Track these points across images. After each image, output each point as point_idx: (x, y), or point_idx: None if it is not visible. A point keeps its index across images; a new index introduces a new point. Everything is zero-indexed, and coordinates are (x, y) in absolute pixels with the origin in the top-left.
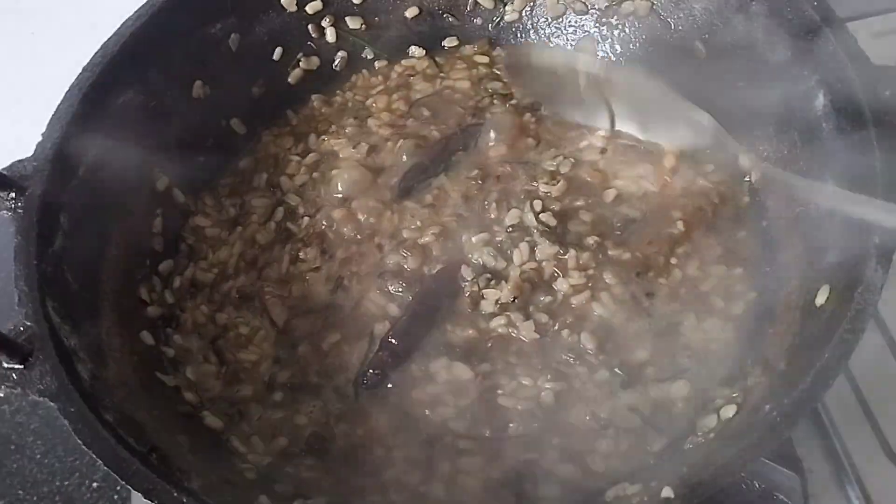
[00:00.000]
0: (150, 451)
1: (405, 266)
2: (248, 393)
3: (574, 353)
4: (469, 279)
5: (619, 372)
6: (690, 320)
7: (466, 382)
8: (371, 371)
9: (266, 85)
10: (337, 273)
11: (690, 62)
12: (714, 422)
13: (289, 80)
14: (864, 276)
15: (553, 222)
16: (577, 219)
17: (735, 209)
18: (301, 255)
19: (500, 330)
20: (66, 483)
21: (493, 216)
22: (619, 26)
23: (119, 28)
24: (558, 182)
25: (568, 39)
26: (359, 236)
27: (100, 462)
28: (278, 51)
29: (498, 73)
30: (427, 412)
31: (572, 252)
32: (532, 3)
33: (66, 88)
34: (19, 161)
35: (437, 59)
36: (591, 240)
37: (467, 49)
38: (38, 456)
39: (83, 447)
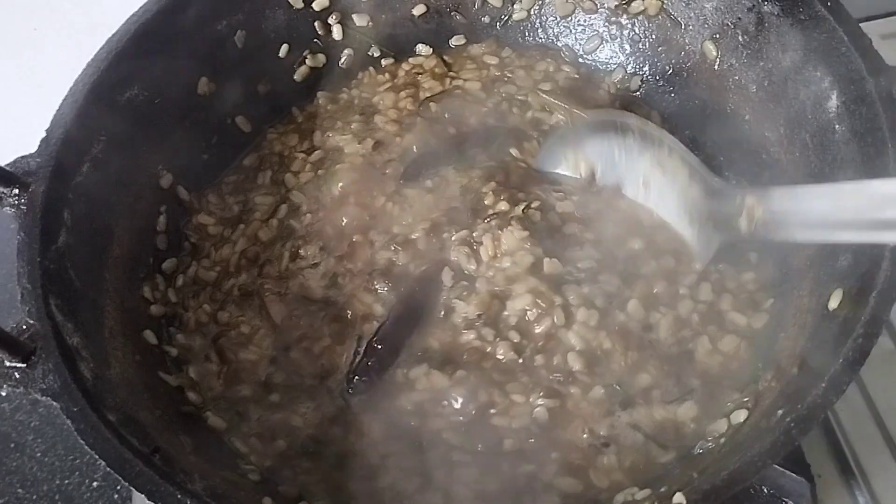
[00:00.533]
0: (153, 452)
1: (396, 262)
2: (247, 393)
3: (561, 373)
4: (448, 285)
5: (617, 388)
6: (704, 343)
7: (449, 392)
8: (357, 378)
9: (272, 82)
10: (332, 270)
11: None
12: (724, 426)
13: (295, 77)
14: (878, 280)
15: (537, 217)
16: (576, 235)
17: None
18: (301, 251)
19: (475, 344)
20: (66, 482)
21: (485, 207)
22: (629, 25)
23: (124, 24)
24: (575, 198)
25: (577, 39)
26: (356, 234)
27: (101, 461)
28: (284, 48)
29: (510, 75)
30: (415, 422)
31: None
32: (541, 2)
33: (70, 84)
34: (23, 157)
35: (445, 57)
36: (583, 264)
37: (475, 49)
38: (38, 454)
39: (85, 447)
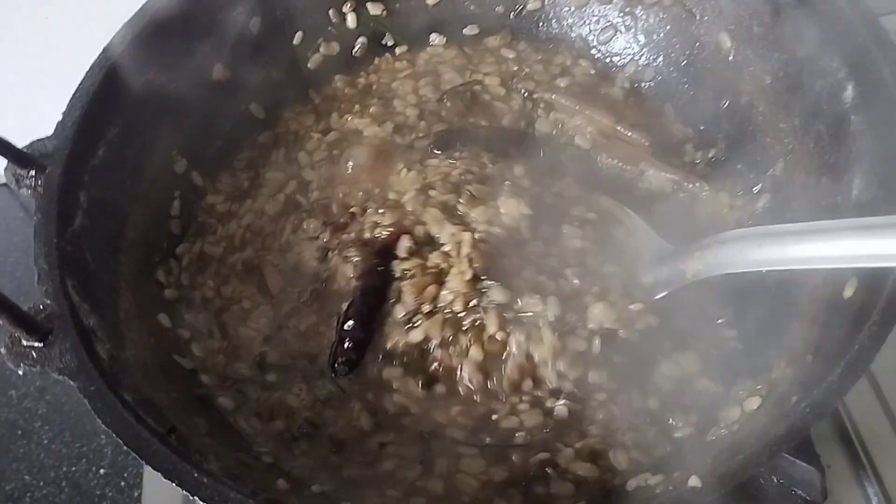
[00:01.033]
0: (169, 432)
1: (380, 224)
2: (245, 372)
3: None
4: (401, 256)
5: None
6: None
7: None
8: (339, 361)
9: (286, 70)
10: (326, 244)
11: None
12: (737, 413)
13: (308, 65)
14: (894, 268)
15: (528, 211)
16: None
17: None
18: (304, 225)
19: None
20: (74, 469)
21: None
22: (644, 16)
23: (140, 8)
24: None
25: (591, 30)
26: (356, 206)
27: (107, 448)
28: (299, 35)
29: (528, 70)
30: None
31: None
32: None
33: (87, 68)
34: (39, 140)
35: (465, 48)
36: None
37: (492, 41)
38: (46, 441)
39: (102, 426)
